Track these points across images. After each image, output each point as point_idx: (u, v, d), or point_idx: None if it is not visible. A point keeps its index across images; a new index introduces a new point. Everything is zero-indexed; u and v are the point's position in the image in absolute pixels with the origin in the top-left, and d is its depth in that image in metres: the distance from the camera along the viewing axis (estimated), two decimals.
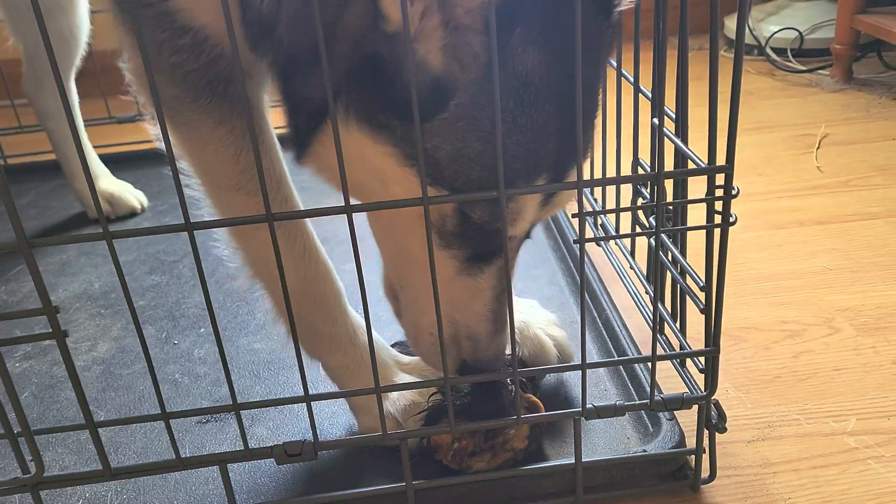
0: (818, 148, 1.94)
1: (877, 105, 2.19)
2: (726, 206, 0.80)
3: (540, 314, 1.13)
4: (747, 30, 2.56)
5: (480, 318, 0.87)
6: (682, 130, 0.94)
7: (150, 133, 1.02)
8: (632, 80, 1.10)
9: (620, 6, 0.78)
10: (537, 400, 0.97)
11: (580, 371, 0.86)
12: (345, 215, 0.73)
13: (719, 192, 0.81)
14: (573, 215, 0.81)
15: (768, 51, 2.59)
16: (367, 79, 0.74)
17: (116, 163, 1.94)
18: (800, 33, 2.55)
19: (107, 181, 1.81)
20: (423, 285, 0.83)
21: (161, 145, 0.98)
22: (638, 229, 1.18)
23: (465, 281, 0.85)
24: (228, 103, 0.89)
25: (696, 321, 0.95)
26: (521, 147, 0.73)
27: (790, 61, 2.55)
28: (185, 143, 0.94)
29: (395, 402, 1.01)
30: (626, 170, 1.23)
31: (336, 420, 1.08)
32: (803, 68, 2.49)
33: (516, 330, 1.04)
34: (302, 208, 0.98)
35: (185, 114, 0.90)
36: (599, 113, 0.85)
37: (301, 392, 0.84)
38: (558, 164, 0.76)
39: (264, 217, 0.73)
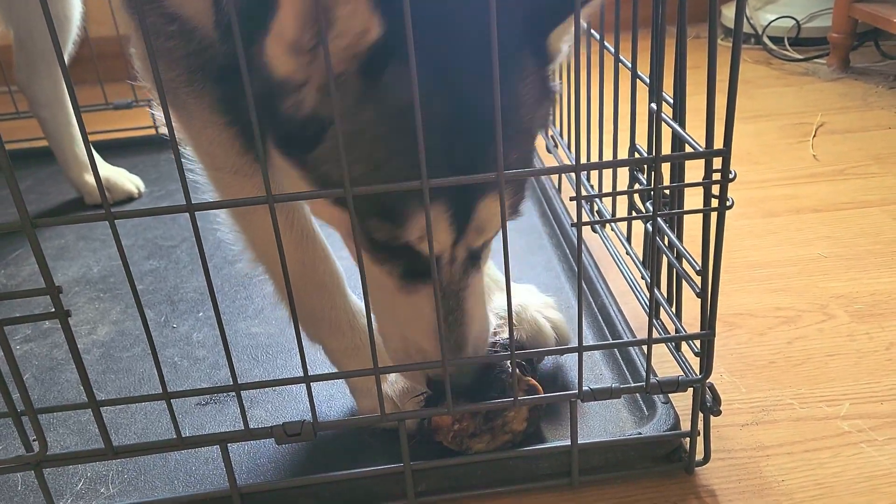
0: (814, 136, 1.95)
1: (873, 94, 2.20)
2: (723, 190, 0.81)
3: (537, 298, 1.14)
4: (744, 18, 2.56)
5: (425, 335, 0.86)
6: (679, 116, 0.94)
7: (154, 117, 1.03)
8: (629, 65, 1.11)
9: (552, 47, 0.80)
10: (536, 383, 0.98)
11: (577, 354, 0.87)
12: None
13: (716, 176, 0.81)
14: (570, 198, 0.81)
15: (765, 39, 2.59)
16: (267, 112, 0.77)
17: (113, 149, 1.94)
18: (797, 22, 2.55)
19: (101, 168, 1.81)
20: (374, 299, 0.84)
21: (163, 130, 1.00)
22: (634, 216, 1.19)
23: (404, 298, 0.85)
24: (221, 87, 0.91)
25: (691, 307, 0.96)
26: (405, 171, 0.73)
27: (787, 50, 2.55)
28: (184, 125, 0.96)
29: (393, 384, 1.02)
30: (623, 156, 1.24)
31: (334, 403, 1.09)
32: (800, 57, 2.50)
33: (514, 314, 1.05)
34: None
35: (181, 97, 0.92)
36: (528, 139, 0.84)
37: (300, 374, 0.85)
38: (461, 191, 0.76)
39: (265, 199, 0.74)
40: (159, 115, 1.01)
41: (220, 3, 0.81)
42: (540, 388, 0.97)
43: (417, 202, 0.74)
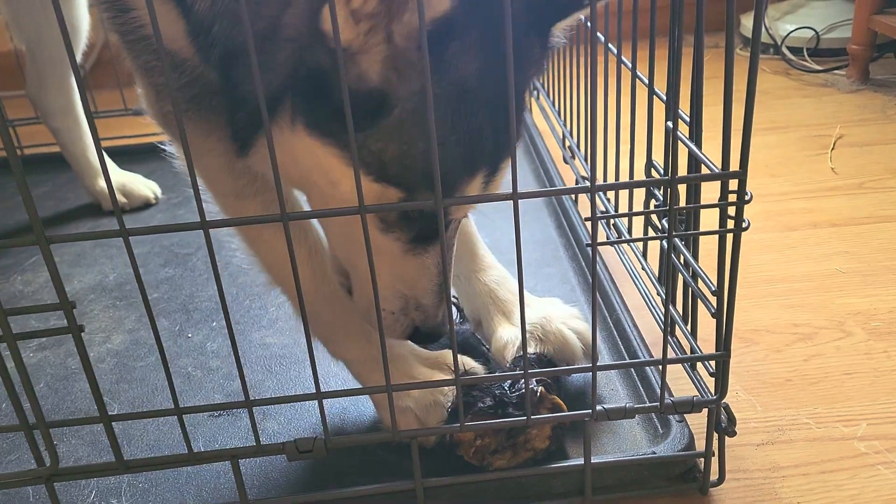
0: (833, 149, 1.94)
1: (893, 106, 2.18)
2: (739, 212, 0.80)
3: (561, 309, 1.13)
4: (763, 28, 2.55)
5: (427, 292, 0.92)
6: (695, 134, 0.94)
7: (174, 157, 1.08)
8: (646, 81, 1.10)
9: (554, 36, 0.87)
10: (560, 401, 0.97)
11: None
12: None
13: (732, 197, 0.81)
14: (585, 219, 0.81)
15: (784, 50, 2.58)
16: (312, 88, 0.77)
17: (132, 154, 1.95)
18: (816, 33, 2.54)
19: (115, 175, 1.82)
20: (378, 264, 0.87)
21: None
22: (650, 231, 1.18)
23: (412, 260, 0.89)
24: (214, 114, 0.93)
25: (706, 323, 0.95)
26: (459, 146, 0.79)
27: (806, 61, 2.53)
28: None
29: (417, 399, 1.01)
30: (640, 169, 1.23)
31: (347, 416, 1.09)
32: (819, 68, 2.48)
33: (538, 326, 1.06)
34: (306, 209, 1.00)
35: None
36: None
37: (312, 387, 0.85)
38: (493, 159, 0.83)
39: (279, 217, 0.74)
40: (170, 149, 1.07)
41: (193, 27, 0.82)
42: (564, 406, 0.97)
43: (466, 173, 0.81)
